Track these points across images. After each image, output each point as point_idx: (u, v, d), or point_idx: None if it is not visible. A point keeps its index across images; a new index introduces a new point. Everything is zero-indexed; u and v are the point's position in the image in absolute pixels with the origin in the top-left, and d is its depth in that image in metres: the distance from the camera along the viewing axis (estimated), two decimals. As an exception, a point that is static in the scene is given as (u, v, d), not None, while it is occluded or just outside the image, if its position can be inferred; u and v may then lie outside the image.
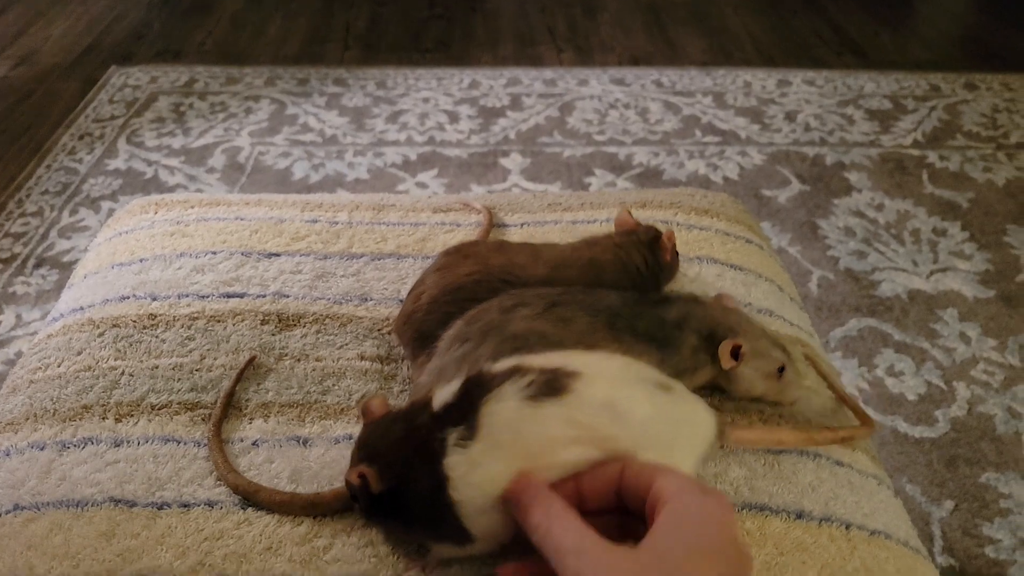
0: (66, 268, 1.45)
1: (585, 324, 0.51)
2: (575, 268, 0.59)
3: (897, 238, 1.56)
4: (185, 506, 0.49)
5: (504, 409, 0.41)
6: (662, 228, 0.63)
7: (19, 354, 1.27)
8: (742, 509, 0.49)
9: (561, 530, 0.37)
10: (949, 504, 1.10)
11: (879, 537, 0.49)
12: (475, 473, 0.40)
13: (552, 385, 0.41)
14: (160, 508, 0.49)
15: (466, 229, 0.71)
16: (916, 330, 1.36)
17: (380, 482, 0.42)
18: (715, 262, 0.68)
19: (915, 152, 1.82)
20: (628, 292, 0.56)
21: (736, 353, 0.51)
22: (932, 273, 1.47)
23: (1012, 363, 1.30)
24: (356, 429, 0.52)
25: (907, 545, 0.49)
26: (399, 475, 0.42)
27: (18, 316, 1.35)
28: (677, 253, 0.63)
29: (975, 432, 1.19)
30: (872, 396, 1.24)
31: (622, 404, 0.42)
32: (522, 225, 0.72)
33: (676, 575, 0.34)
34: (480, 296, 0.55)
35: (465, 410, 0.41)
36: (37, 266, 1.46)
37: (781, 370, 0.52)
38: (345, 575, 0.46)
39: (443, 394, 0.43)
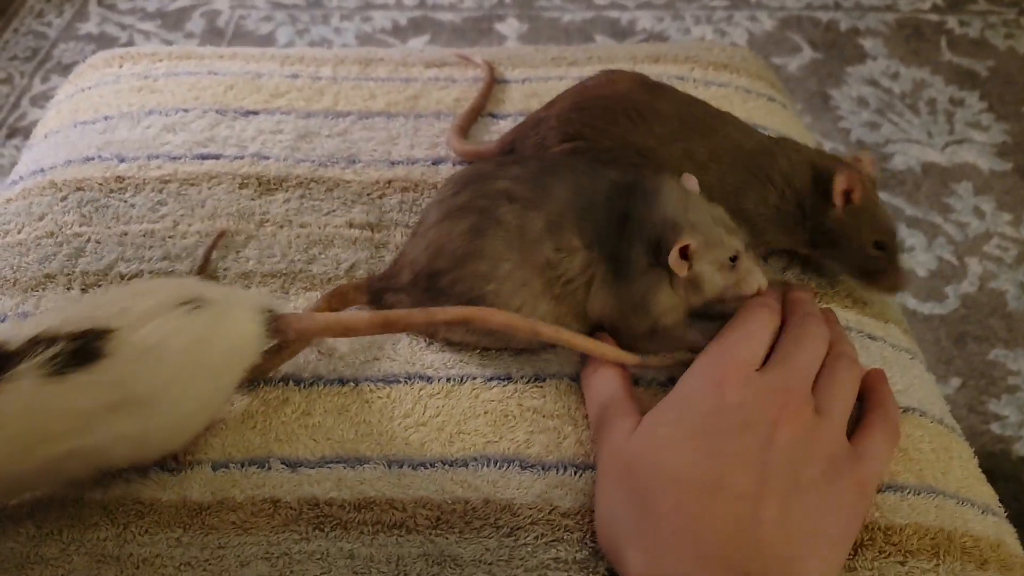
0: (40, 138, 1.38)
1: (560, 206, 0.45)
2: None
3: (912, 108, 1.48)
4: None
5: (20, 390, 0.35)
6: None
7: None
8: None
9: None
10: (956, 381, 1.08)
11: (913, 415, 0.45)
12: None
13: (82, 352, 0.36)
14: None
15: (463, 85, 0.65)
16: (929, 204, 1.31)
17: None
18: (735, 122, 0.62)
19: (934, 17, 1.72)
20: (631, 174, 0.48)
21: (684, 253, 0.43)
22: (947, 145, 1.41)
23: (1027, 238, 1.25)
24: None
25: (942, 423, 0.46)
26: None
27: (-9, 188, 1.29)
28: (868, 212, 0.50)
29: (985, 308, 1.16)
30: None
31: (156, 349, 0.38)
32: (524, 81, 0.66)
33: None
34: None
35: None
36: (9, 136, 1.39)
37: (734, 259, 0.44)
38: (335, 455, 0.42)
39: None
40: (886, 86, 1.54)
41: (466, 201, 0.46)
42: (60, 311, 0.40)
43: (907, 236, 1.25)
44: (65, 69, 1.53)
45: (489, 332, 0.45)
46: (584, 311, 0.45)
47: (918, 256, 1.23)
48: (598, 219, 0.45)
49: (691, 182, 0.46)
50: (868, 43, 1.64)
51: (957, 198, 1.32)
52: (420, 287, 0.46)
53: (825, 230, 0.50)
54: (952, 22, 1.71)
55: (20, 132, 1.40)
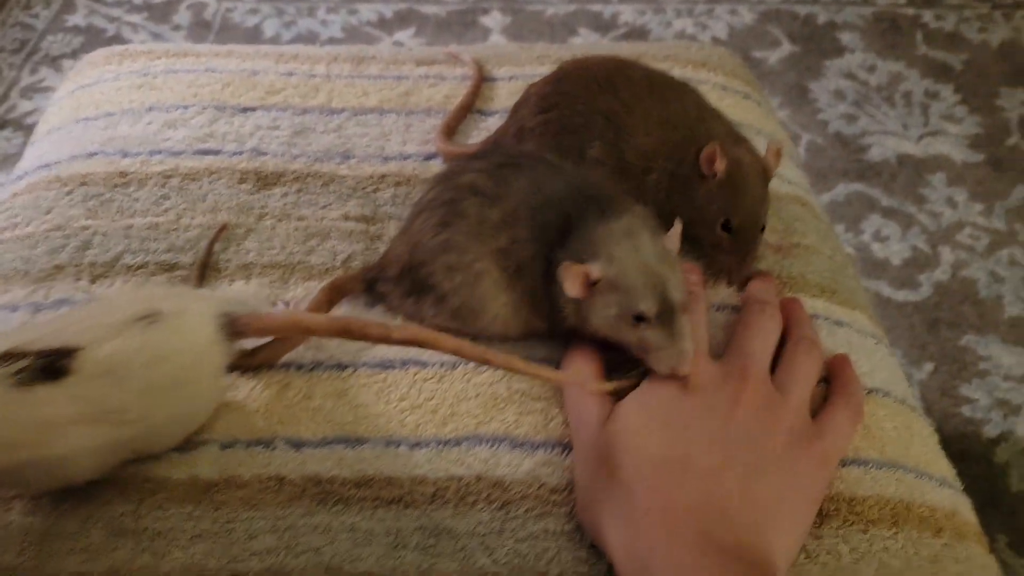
0: (30, 130, 1.39)
1: (517, 199, 0.46)
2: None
3: (888, 101, 1.52)
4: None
5: None
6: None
7: (-13, 220, 1.23)
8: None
9: None
10: (929, 366, 1.12)
11: (877, 395, 0.48)
12: None
13: (50, 370, 0.38)
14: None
15: (452, 83, 0.68)
16: (903, 195, 1.34)
17: None
18: (713, 118, 0.65)
19: (910, 11, 1.76)
20: (597, 182, 0.48)
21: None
22: (922, 137, 1.45)
23: (997, 227, 1.29)
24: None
25: (904, 403, 0.49)
26: None
27: (-17, 180, 1.30)
28: (730, 193, 0.50)
29: (958, 296, 1.20)
30: (857, 261, 1.24)
31: (120, 368, 0.39)
32: (510, 79, 0.69)
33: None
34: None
35: None
36: (0, 128, 1.40)
37: (639, 319, 0.42)
38: (336, 436, 0.45)
39: None
40: (863, 79, 1.57)
41: (436, 195, 0.49)
42: (33, 329, 0.41)
43: (882, 226, 1.29)
44: (53, 61, 1.54)
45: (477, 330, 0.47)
46: (532, 301, 0.46)
47: (893, 245, 1.26)
48: (548, 218, 0.45)
49: (673, 237, 0.45)
50: (846, 37, 1.67)
51: (931, 189, 1.35)
52: (406, 280, 0.49)
53: (696, 202, 0.51)
54: (928, 16, 1.74)
55: (10, 124, 1.41)
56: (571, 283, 0.42)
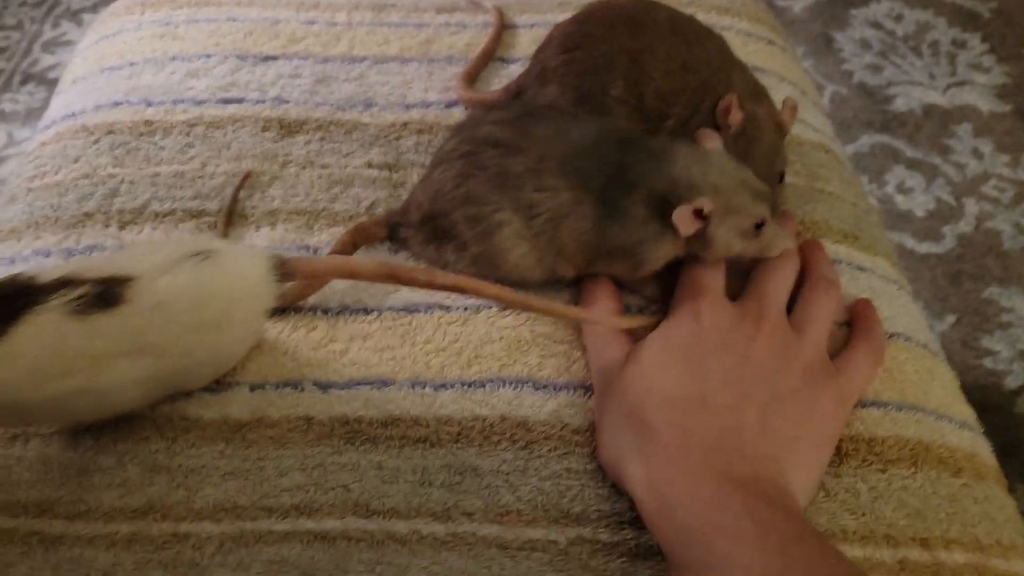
0: (53, 84, 1.40)
1: (541, 149, 0.46)
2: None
3: (915, 50, 1.50)
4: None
5: (45, 323, 0.38)
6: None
7: (14, 173, 1.24)
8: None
9: None
10: (951, 318, 1.11)
11: (898, 339, 0.48)
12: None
13: (105, 297, 0.39)
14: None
15: (473, 30, 0.67)
16: (928, 146, 1.33)
17: None
18: (736, 65, 0.64)
19: (939, -42, 1.72)
20: (622, 127, 0.49)
21: (700, 214, 0.44)
22: (949, 87, 1.42)
23: (1023, 179, 1.28)
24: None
25: (926, 347, 0.49)
26: None
27: (9, 135, 1.32)
28: (743, 148, 0.50)
29: (981, 248, 1.19)
30: (881, 213, 1.23)
31: (173, 300, 0.40)
32: (532, 26, 0.68)
33: None
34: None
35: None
36: (23, 82, 1.41)
37: (760, 226, 0.45)
38: (362, 378, 0.46)
39: None
40: (889, 28, 1.54)
41: (454, 147, 0.49)
42: (86, 260, 0.42)
43: (907, 178, 1.28)
44: (74, 15, 1.55)
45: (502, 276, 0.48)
46: (563, 250, 0.47)
47: (917, 197, 1.25)
48: (586, 164, 0.46)
49: (713, 140, 0.47)
50: (872, -16, 1.64)
51: (957, 140, 1.34)
52: (427, 227, 0.50)
53: None
54: (957, -37, 1.71)
55: (33, 77, 1.41)
56: (686, 224, 0.43)
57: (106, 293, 0.39)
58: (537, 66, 0.57)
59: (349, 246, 0.51)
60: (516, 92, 0.58)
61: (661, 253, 0.46)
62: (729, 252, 0.46)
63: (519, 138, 0.47)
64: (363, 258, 0.49)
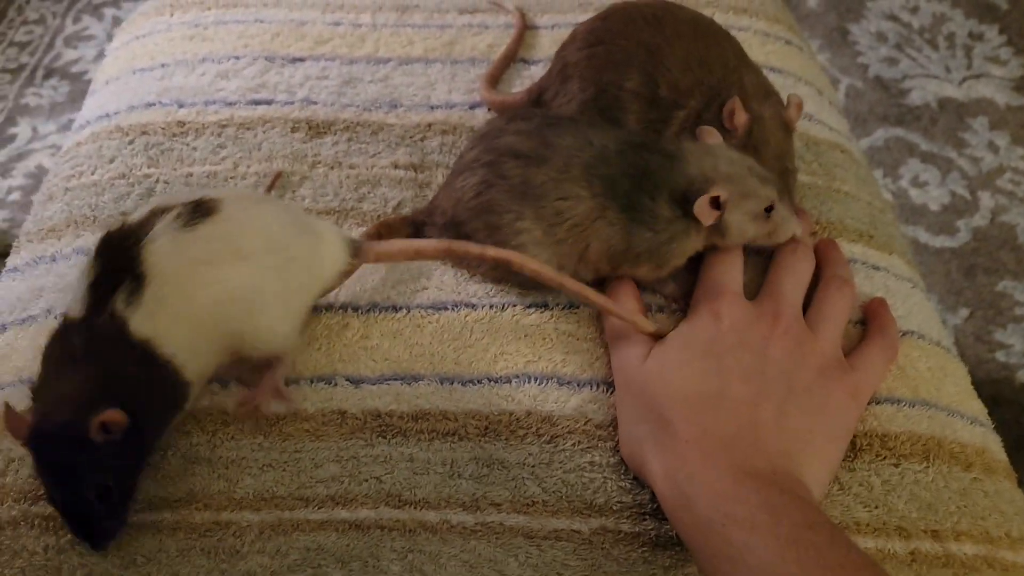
0: (75, 79, 1.42)
1: (565, 158, 0.48)
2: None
3: (931, 43, 1.50)
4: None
5: (163, 244, 0.41)
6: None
7: (40, 167, 1.27)
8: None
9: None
10: (964, 312, 1.12)
11: (912, 337, 0.50)
12: (162, 316, 0.41)
13: (199, 210, 0.43)
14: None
15: (496, 31, 0.69)
16: (944, 139, 1.33)
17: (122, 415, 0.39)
18: (754, 65, 0.65)
19: (956, -50, 1.72)
20: (639, 134, 0.52)
21: (716, 203, 0.46)
22: (965, 80, 1.43)
23: (1039, 172, 1.28)
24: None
25: (939, 345, 0.51)
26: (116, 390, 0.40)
27: (34, 129, 1.34)
28: (752, 148, 0.51)
29: (996, 241, 1.20)
30: (895, 207, 1.24)
31: (268, 224, 0.45)
32: (553, 27, 0.70)
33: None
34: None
35: (120, 269, 0.41)
36: (47, 77, 1.43)
37: (769, 209, 0.47)
38: (393, 373, 0.48)
39: (77, 289, 0.42)
40: (905, 20, 1.55)
41: (476, 156, 0.51)
42: (161, 196, 0.47)
43: (921, 171, 1.29)
44: (95, 10, 1.57)
45: (524, 278, 0.49)
46: (586, 256, 0.48)
47: (931, 191, 1.26)
48: (611, 172, 0.47)
49: (713, 136, 0.49)
50: (889, -24, 1.64)
51: (972, 133, 1.34)
52: (450, 231, 0.51)
53: None
54: (974, -46, 1.70)
55: (56, 72, 1.44)
56: (706, 213, 0.46)
57: (199, 208, 0.43)
58: (559, 63, 0.58)
59: (375, 239, 0.52)
60: (538, 93, 0.60)
61: (687, 248, 0.48)
62: (744, 237, 0.48)
63: (541, 148, 0.49)
64: (424, 240, 0.51)
